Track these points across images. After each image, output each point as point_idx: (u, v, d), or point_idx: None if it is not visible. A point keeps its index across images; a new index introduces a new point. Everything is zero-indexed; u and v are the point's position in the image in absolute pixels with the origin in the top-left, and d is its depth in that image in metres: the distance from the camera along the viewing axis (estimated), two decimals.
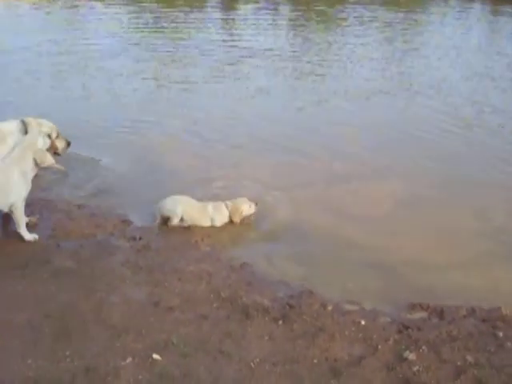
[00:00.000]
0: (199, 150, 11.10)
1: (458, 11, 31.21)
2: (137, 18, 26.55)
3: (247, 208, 8.22)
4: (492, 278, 7.12)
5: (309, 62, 18.49)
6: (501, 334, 5.88)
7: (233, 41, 22.00)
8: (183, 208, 7.99)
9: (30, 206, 8.08)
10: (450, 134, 12.09)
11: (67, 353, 5.43)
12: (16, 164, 7.14)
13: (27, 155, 7.23)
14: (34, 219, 7.89)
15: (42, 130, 8.24)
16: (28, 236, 7.43)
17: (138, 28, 24.19)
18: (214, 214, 8.13)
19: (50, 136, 8.38)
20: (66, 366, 5.27)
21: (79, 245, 7.41)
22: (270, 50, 20.16)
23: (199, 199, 8.35)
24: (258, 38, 22.67)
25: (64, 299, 6.28)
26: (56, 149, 8.48)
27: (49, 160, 7.40)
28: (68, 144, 8.72)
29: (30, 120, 8.32)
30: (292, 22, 27.20)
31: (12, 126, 8.29)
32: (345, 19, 27.58)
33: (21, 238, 7.42)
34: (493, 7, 31.00)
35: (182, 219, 8.03)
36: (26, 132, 8.10)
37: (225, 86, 15.81)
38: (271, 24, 26.36)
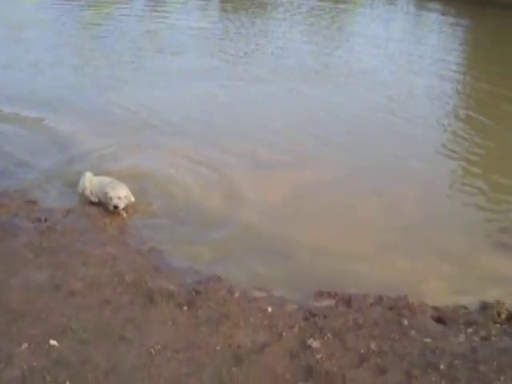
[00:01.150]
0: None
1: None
2: None
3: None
4: (398, 268, 7.18)
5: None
6: (406, 322, 5.92)
7: None
8: None
9: None
10: (369, 123, 12.18)
11: None
12: None
13: None
14: None
15: None
16: None
17: None
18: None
19: None
20: None
21: None
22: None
23: None
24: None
25: None
26: None
27: None
28: None
29: None
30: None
31: None
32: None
33: None
34: (417, 2, 31.45)
35: None
36: None
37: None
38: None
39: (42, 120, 11.22)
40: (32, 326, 5.43)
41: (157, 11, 24.48)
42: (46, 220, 7.41)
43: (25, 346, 5.17)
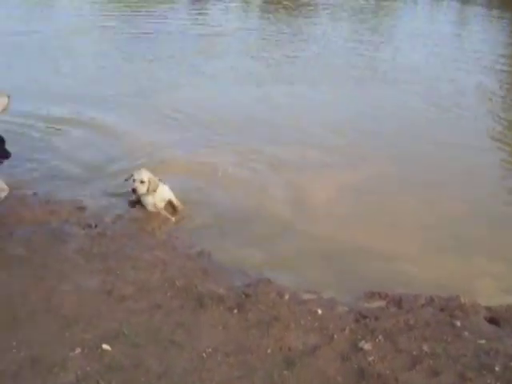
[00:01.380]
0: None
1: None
2: None
3: None
4: (448, 268, 7.08)
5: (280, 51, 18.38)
6: (458, 324, 5.82)
7: None
8: None
9: None
10: (418, 123, 12.04)
11: (14, 343, 5.27)
12: None
13: None
14: None
15: None
16: None
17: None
18: None
19: None
20: (12, 357, 5.11)
21: (32, 232, 7.23)
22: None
23: None
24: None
25: (14, 288, 6.11)
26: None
27: None
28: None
29: None
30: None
31: None
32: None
33: None
34: None
35: None
36: None
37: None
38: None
39: (99, 120, 11.54)
40: (84, 331, 5.48)
41: (201, 14, 24.63)
42: (96, 226, 7.49)
43: (78, 350, 5.21)
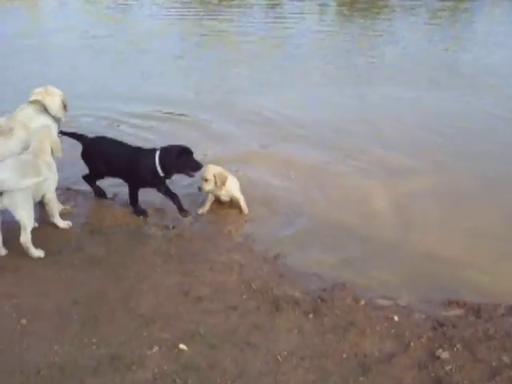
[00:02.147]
0: None
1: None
2: None
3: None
4: None
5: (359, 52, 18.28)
6: None
7: None
8: None
9: (66, 193, 8.18)
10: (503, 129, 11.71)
11: (94, 340, 5.42)
12: (40, 156, 7.10)
13: (46, 145, 7.19)
14: (68, 207, 7.91)
15: (56, 99, 7.92)
16: (62, 223, 7.42)
17: None
18: None
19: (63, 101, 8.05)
20: (92, 354, 5.26)
21: (112, 233, 7.41)
22: None
23: None
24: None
25: (94, 286, 6.28)
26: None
27: (60, 150, 7.37)
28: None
29: (42, 94, 7.87)
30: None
31: (28, 112, 7.68)
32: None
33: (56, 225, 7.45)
34: None
35: None
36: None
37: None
38: None
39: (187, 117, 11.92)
40: (162, 330, 5.58)
41: (276, 17, 24.73)
42: (173, 227, 7.61)
43: (156, 349, 5.31)
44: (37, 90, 7.89)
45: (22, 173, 6.62)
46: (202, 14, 24.79)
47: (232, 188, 8.07)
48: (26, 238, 6.59)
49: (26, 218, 6.55)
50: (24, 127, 7.44)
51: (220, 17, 23.95)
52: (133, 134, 10.70)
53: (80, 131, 8.38)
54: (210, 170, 7.82)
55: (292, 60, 16.97)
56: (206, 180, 7.78)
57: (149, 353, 5.27)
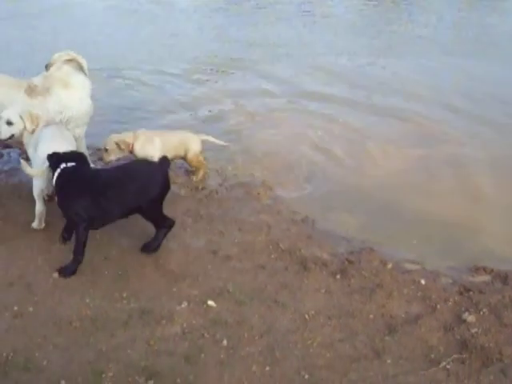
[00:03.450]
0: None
1: None
2: None
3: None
4: None
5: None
6: None
7: None
8: None
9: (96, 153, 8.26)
10: None
11: (124, 294, 5.55)
12: None
13: None
14: None
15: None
16: None
17: None
18: None
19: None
20: (122, 307, 5.39)
21: None
22: None
23: None
24: None
25: (124, 244, 6.39)
26: None
27: None
28: None
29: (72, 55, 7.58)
30: None
31: (67, 69, 7.48)
32: None
33: None
34: None
35: None
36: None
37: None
38: None
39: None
40: (191, 287, 5.70)
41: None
42: (203, 188, 7.67)
43: (184, 304, 5.43)
44: (57, 54, 7.71)
45: None
46: None
47: (146, 149, 7.64)
48: None
49: None
50: (64, 85, 7.42)
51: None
52: None
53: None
54: (111, 139, 7.56)
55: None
56: (106, 150, 7.59)
57: (178, 308, 5.39)
